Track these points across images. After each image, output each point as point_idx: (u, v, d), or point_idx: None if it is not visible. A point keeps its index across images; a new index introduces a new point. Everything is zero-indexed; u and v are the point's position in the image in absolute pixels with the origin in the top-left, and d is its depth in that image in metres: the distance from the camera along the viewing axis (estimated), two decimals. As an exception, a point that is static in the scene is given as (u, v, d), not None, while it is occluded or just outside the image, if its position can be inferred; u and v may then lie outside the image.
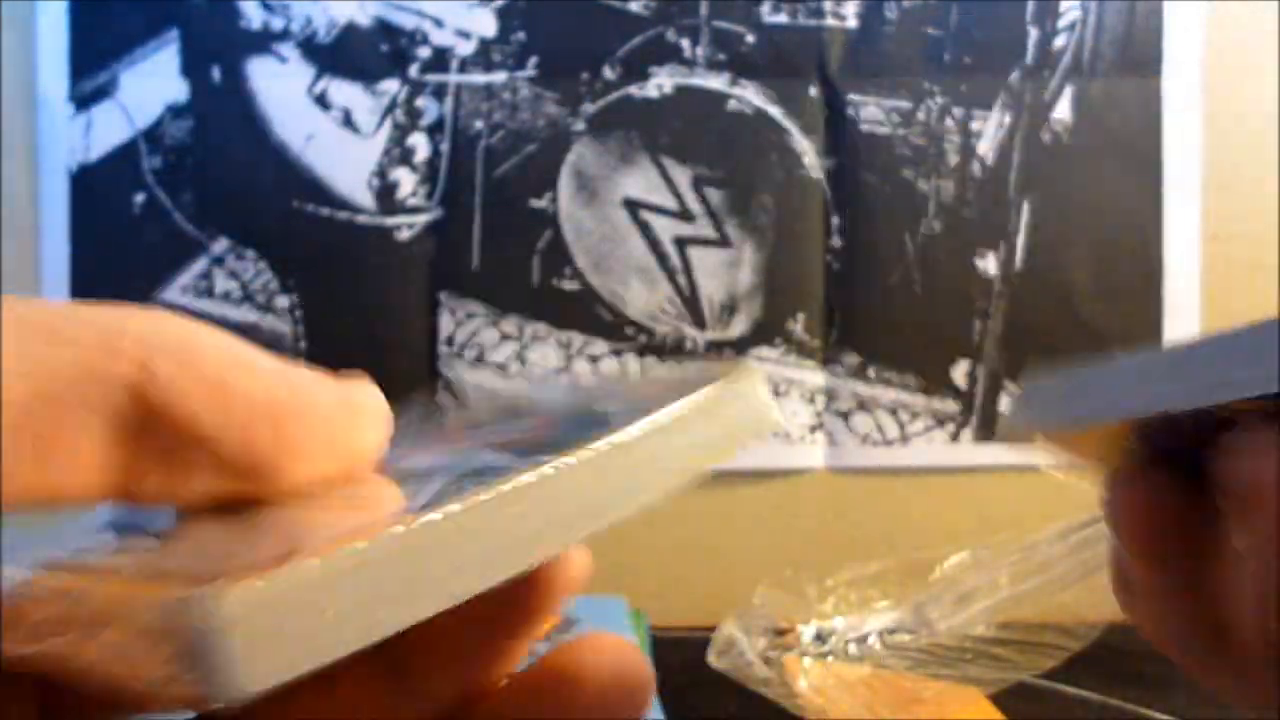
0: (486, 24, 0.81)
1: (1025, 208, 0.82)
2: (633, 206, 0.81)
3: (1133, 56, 0.82)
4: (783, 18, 0.81)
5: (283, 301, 0.81)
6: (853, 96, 0.81)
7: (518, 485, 0.15)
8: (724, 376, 0.19)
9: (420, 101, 0.81)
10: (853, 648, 0.64)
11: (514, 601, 0.18)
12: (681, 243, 0.82)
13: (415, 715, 0.18)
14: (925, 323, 0.82)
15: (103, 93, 0.80)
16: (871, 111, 0.81)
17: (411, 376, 0.80)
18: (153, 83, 0.80)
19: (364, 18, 0.80)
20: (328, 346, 0.80)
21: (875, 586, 0.67)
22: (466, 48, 0.81)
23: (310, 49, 0.80)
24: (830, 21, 0.81)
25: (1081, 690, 0.61)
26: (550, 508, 0.16)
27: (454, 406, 0.80)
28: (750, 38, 0.81)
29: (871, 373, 0.81)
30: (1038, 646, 0.63)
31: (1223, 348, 0.19)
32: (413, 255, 0.81)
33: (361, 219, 0.81)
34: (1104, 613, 0.63)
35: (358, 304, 0.81)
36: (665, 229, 0.82)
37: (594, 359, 0.81)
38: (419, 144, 0.81)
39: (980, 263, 0.82)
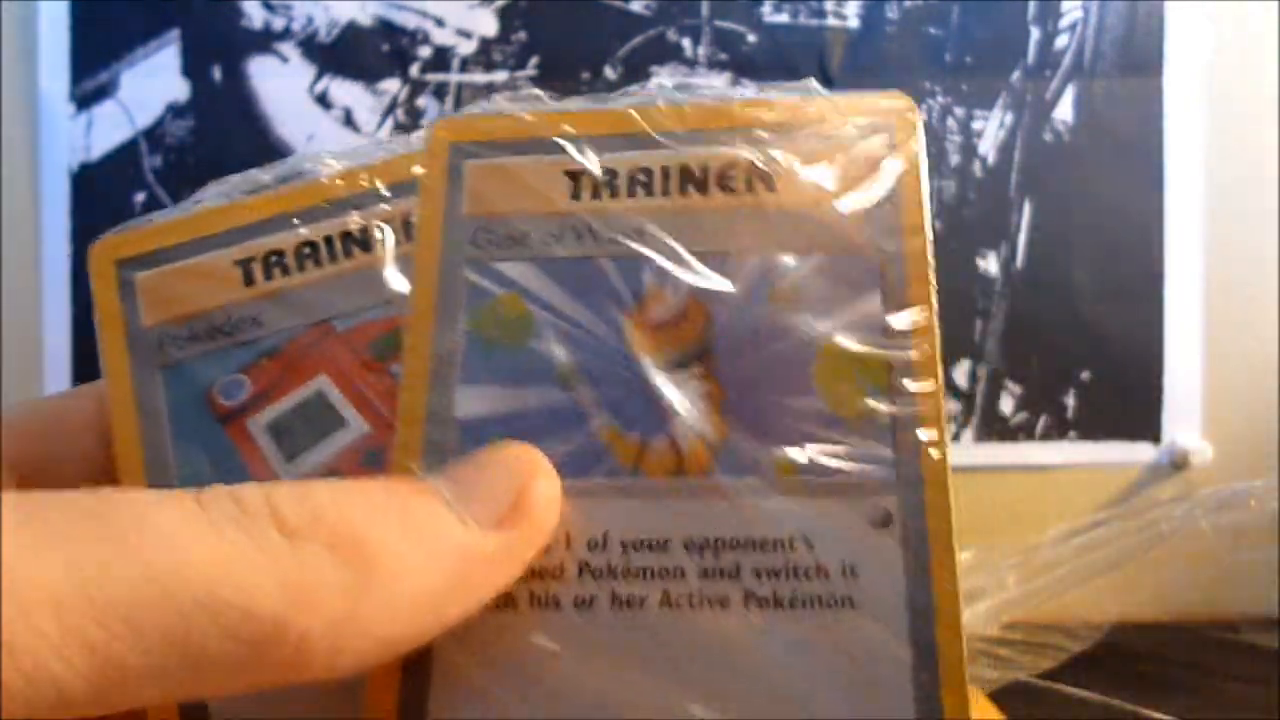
0: (487, 23, 0.81)
1: (1027, 207, 0.82)
2: (634, 206, 0.81)
3: (1134, 56, 0.82)
4: (784, 18, 0.81)
5: (284, 301, 0.80)
6: (854, 96, 0.81)
7: None
8: None
9: (421, 101, 0.81)
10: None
11: None
12: (683, 242, 0.82)
13: None
14: (926, 323, 0.82)
15: (103, 92, 0.80)
16: (873, 111, 0.81)
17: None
18: (154, 82, 0.80)
19: (365, 17, 0.80)
20: (329, 346, 0.80)
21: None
22: (467, 47, 0.81)
23: (311, 48, 0.80)
24: (831, 21, 0.81)
25: (1081, 690, 0.61)
26: None
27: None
28: (751, 37, 0.81)
29: (873, 373, 0.81)
30: (1040, 647, 0.63)
31: None
32: (414, 255, 0.81)
33: (362, 218, 0.81)
34: (1107, 614, 0.63)
35: (359, 303, 0.81)
36: (666, 229, 0.81)
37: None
38: (420, 143, 0.81)
39: (981, 262, 0.82)
